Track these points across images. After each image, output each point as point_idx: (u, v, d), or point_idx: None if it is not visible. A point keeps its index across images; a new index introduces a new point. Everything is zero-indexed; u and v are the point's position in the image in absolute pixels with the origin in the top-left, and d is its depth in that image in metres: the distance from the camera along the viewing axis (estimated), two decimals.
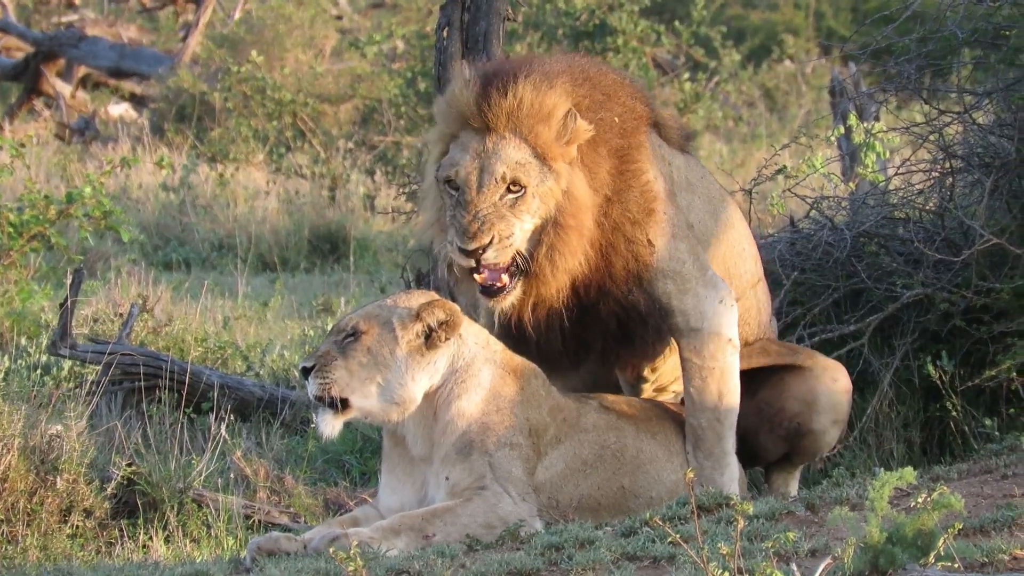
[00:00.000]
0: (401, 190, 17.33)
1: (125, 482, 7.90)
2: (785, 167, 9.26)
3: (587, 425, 6.81)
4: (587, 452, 6.78)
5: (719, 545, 5.10)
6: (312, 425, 6.82)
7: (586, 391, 7.17)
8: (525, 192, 6.55)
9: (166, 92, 22.67)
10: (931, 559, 5.07)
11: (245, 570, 6.30)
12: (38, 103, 24.93)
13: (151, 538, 7.68)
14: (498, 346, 6.73)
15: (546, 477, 6.67)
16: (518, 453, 6.56)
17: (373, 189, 19.06)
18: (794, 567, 5.04)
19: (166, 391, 9.30)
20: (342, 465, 8.91)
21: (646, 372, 7.24)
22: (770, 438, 7.32)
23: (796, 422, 7.28)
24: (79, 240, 12.21)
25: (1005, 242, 8.18)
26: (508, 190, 6.55)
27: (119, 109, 25.24)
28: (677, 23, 21.99)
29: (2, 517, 7.58)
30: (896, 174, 9.18)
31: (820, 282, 8.70)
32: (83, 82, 25.21)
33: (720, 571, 4.96)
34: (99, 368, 9.24)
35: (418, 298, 6.68)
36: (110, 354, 9.21)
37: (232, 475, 8.18)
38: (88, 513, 7.72)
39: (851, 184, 9.75)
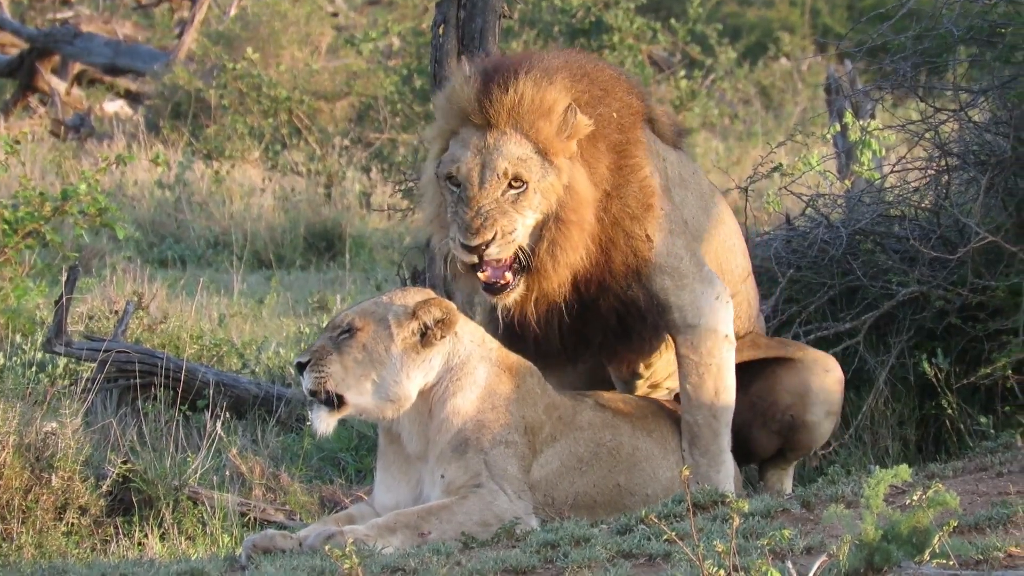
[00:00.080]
0: (397, 187, 17.32)
1: (120, 480, 7.89)
2: (781, 165, 9.26)
3: (583, 423, 6.81)
4: (583, 450, 6.78)
5: (715, 543, 5.11)
6: (308, 422, 6.82)
7: (580, 388, 7.18)
8: (527, 187, 6.56)
9: (161, 89, 22.64)
10: (926, 556, 5.07)
11: (241, 568, 6.30)
12: (33, 100, 24.90)
13: (146, 536, 7.67)
14: (494, 344, 6.73)
15: (542, 475, 6.67)
16: (513, 451, 6.56)
17: (369, 186, 19.05)
18: (789, 565, 5.04)
19: (161, 388, 9.30)
20: (338, 463, 8.90)
21: (640, 368, 7.25)
22: (763, 433, 7.32)
23: (789, 414, 7.29)
24: (74, 237, 12.19)
25: (1001, 240, 8.19)
26: (510, 186, 6.56)
27: (114, 106, 25.21)
28: (673, 20, 22.00)
29: None
30: (892, 172, 9.19)
31: (816, 280, 8.70)
32: (78, 79, 25.18)
33: (715, 569, 4.96)
34: (94, 365, 9.23)
35: (414, 296, 6.68)
36: (105, 351, 9.21)
37: (228, 472, 8.17)
38: (83, 511, 7.71)
39: (847, 182, 9.75)
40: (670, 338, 7.01)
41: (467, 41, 8.65)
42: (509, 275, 6.62)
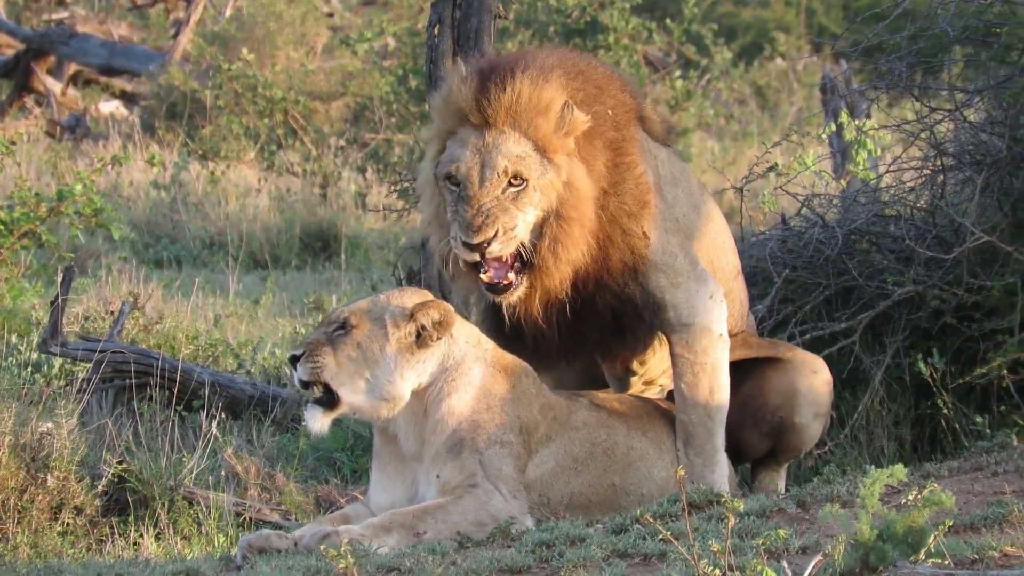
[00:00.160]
0: (392, 188, 17.29)
1: (116, 480, 7.89)
2: (776, 165, 9.26)
3: (578, 423, 6.81)
4: (578, 450, 6.78)
5: (710, 542, 5.11)
6: (302, 422, 6.81)
7: (574, 386, 7.18)
8: (527, 185, 6.58)
9: (157, 89, 22.63)
10: (922, 556, 5.07)
11: (236, 567, 6.29)
12: (28, 100, 24.87)
13: (142, 536, 7.67)
14: (489, 344, 6.73)
15: (537, 475, 6.67)
16: (509, 451, 6.56)
17: (364, 187, 19.04)
18: (785, 564, 5.04)
19: (157, 389, 9.29)
20: (333, 463, 8.90)
21: (635, 365, 7.25)
22: (754, 434, 7.32)
23: (779, 416, 7.29)
24: (70, 238, 12.17)
25: (996, 239, 8.19)
26: (510, 184, 6.58)
27: (110, 106, 25.19)
28: (668, 20, 22.00)
29: None
30: (887, 172, 9.19)
31: (811, 280, 8.70)
32: (74, 79, 25.16)
33: (711, 568, 4.96)
34: (90, 366, 9.23)
35: (412, 296, 6.68)
36: (101, 352, 9.20)
37: (223, 472, 8.17)
38: (79, 511, 7.70)
39: (842, 182, 9.76)
40: (664, 336, 7.02)
41: (462, 41, 8.65)
42: (512, 275, 6.63)
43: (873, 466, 6.78)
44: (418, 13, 24.45)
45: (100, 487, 7.81)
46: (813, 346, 8.18)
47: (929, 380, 8.32)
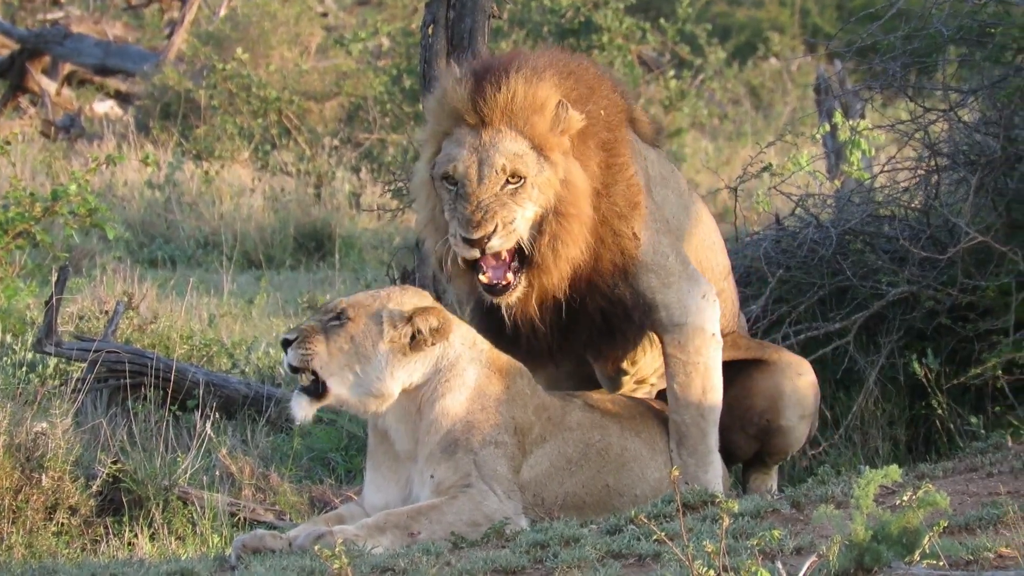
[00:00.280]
0: (387, 187, 17.28)
1: (110, 480, 7.89)
2: (770, 165, 9.27)
3: (572, 423, 6.81)
4: (572, 450, 6.78)
5: (704, 543, 5.10)
6: (288, 409, 6.78)
7: (566, 386, 7.18)
8: (525, 182, 6.59)
9: (151, 89, 22.60)
10: (916, 557, 5.08)
11: (230, 567, 6.29)
12: (23, 100, 24.85)
13: (136, 536, 7.66)
14: (484, 345, 6.73)
15: (531, 475, 6.67)
16: (503, 451, 6.56)
17: (358, 186, 19.03)
18: (779, 565, 5.04)
19: (151, 389, 9.28)
20: (327, 463, 8.90)
21: (626, 365, 7.25)
22: (742, 436, 7.33)
23: (765, 419, 7.29)
24: (64, 237, 12.16)
25: (990, 240, 8.20)
26: (508, 181, 6.59)
27: (104, 106, 25.17)
28: (662, 20, 21.98)
29: None
30: (881, 172, 9.20)
31: (805, 280, 8.70)
32: (68, 79, 25.14)
33: (705, 569, 4.96)
34: (84, 366, 9.22)
35: (411, 298, 6.67)
36: (95, 352, 9.20)
37: (217, 472, 8.17)
38: (73, 511, 7.70)
39: (836, 182, 9.77)
40: (656, 336, 7.02)
41: (456, 41, 8.65)
42: (510, 276, 6.64)
43: (868, 467, 6.77)
44: (412, 13, 24.45)
45: (95, 487, 7.81)
46: (807, 346, 8.19)
47: (923, 380, 8.33)
